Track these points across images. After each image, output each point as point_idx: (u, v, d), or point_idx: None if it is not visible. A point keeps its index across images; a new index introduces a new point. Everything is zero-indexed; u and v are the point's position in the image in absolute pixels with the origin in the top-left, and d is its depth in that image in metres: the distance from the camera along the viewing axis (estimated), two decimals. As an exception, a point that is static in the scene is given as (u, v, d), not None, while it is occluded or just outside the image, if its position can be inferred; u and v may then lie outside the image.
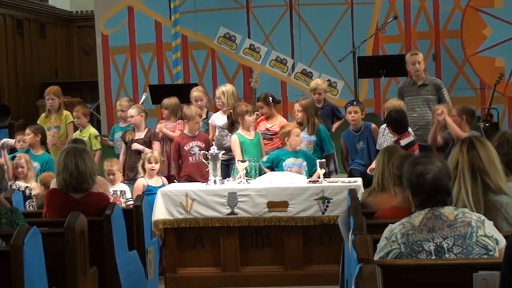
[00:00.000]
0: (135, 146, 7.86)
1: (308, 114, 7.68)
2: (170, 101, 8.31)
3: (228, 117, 7.86)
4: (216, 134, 8.03)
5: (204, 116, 8.19)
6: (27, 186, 7.11)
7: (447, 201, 3.41)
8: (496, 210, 3.78)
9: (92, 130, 8.79)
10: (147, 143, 7.89)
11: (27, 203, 6.95)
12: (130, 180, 7.69)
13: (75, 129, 8.87)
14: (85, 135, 8.56)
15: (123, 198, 7.13)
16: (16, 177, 7.26)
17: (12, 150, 8.09)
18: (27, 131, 8.01)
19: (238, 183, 6.92)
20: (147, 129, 8.01)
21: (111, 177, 7.21)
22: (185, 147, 7.67)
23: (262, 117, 8.04)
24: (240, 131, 7.56)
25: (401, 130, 7.35)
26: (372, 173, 7.46)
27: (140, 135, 7.95)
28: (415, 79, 8.30)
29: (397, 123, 7.37)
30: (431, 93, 8.18)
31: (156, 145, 7.88)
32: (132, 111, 8.00)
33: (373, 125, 7.98)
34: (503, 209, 3.79)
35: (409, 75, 8.73)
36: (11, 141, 7.80)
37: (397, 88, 8.82)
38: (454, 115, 7.26)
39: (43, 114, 9.03)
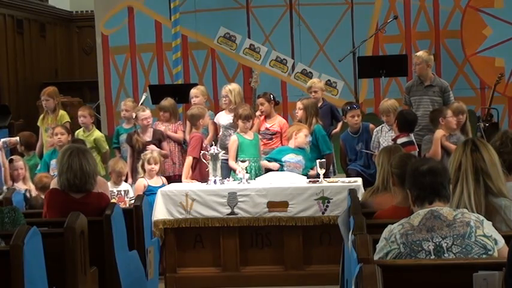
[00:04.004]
0: (154, 148, 7.67)
1: (307, 114, 7.66)
2: (168, 102, 8.22)
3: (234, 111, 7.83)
4: (220, 133, 8.01)
5: None
6: (26, 189, 7.09)
7: (442, 193, 3.44)
8: (495, 212, 3.79)
9: (98, 133, 8.71)
10: (157, 143, 7.84)
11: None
12: None
13: (77, 128, 8.80)
14: (90, 138, 8.45)
15: (127, 198, 7.12)
16: (13, 180, 7.23)
17: (13, 150, 8.02)
18: (62, 130, 7.94)
19: (238, 183, 6.93)
20: (152, 130, 7.96)
21: (122, 176, 7.18)
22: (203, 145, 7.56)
23: (262, 118, 8.03)
24: (239, 130, 7.57)
25: (404, 129, 7.38)
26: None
27: (149, 136, 7.88)
28: (422, 79, 8.28)
29: (405, 122, 7.43)
30: (437, 95, 8.18)
31: (165, 145, 7.86)
32: (149, 113, 7.91)
33: (371, 125, 7.99)
34: (502, 211, 3.80)
35: (410, 75, 8.73)
36: (13, 139, 7.60)
37: (396, 88, 8.82)
38: (450, 115, 7.26)
39: (41, 116, 8.98)
